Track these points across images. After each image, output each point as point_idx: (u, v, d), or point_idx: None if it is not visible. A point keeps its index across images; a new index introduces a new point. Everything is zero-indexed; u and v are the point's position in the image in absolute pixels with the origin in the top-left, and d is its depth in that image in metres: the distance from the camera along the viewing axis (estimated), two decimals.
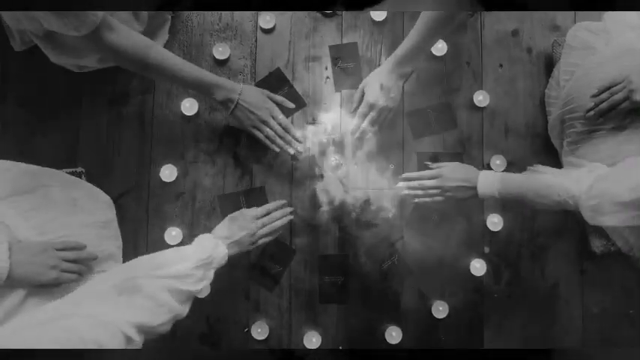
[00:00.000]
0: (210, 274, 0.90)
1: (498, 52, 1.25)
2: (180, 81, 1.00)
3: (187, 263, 0.85)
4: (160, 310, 0.76)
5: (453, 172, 1.04)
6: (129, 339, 0.69)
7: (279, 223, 1.07)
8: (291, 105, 1.11)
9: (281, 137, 1.08)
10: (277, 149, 1.09)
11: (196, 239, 0.95)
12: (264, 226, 1.04)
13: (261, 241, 1.03)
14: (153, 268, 0.81)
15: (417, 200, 1.06)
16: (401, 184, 1.09)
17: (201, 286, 0.87)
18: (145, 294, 0.76)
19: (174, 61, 0.97)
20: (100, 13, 0.83)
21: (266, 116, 1.05)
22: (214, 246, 0.93)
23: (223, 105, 1.05)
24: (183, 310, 0.83)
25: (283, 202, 1.12)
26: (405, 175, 1.09)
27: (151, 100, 1.19)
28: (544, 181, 0.93)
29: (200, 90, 1.02)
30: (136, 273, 0.79)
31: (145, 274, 0.79)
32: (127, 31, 0.91)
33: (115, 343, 0.67)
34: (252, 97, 1.05)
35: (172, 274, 0.81)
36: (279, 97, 1.10)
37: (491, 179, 0.99)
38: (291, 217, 1.12)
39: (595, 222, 0.84)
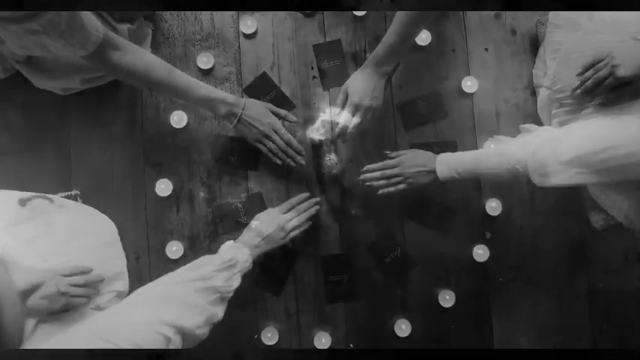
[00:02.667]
0: (237, 278, 0.91)
1: (483, 37, 1.24)
2: (185, 98, 1.01)
3: (210, 266, 0.86)
4: (191, 311, 0.77)
5: (411, 159, 1.06)
6: (166, 338, 0.68)
7: (307, 215, 1.09)
8: (294, 119, 1.11)
9: (283, 151, 1.09)
10: (279, 162, 1.10)
11: (220, 248, 0.97)
12: (291, 219, 1.06)
13: (292, 234, 1.05)
14: (177, 276, 0.83)
15: (381, 192, 1.07)
16: (363, 176, 1.09)
17: (229, 284, 0.87)
18: (173, 297, 0.76)
19: (181, 79, 0.99)
20: (101, 29, 0.84)
21: (268, 130, 1.06)
22: (236, 249, 0.95)
23: (226, 119, 1.06)
24: (216, 310, 0.83)
25: (307, 194, 1.13)
26: (367, 167, 1.10)
27: (139, 116, 1.18)
28: (495, 152, 0.94)
29: (205, 106, 1.04)
30: (162, 283, 0.81)
31: (171, 282, 0.81)
32: (133, 50, 0.92)
33: (151, 342, 0.66)
34: (255, 111, 1.06)
35: (196, 277, 0.82)
36: (282, 111, 1.10)
37: (447, 161, 1.02)
38: (318, 207, 1.13)
39: (543, 184, 0.85)
